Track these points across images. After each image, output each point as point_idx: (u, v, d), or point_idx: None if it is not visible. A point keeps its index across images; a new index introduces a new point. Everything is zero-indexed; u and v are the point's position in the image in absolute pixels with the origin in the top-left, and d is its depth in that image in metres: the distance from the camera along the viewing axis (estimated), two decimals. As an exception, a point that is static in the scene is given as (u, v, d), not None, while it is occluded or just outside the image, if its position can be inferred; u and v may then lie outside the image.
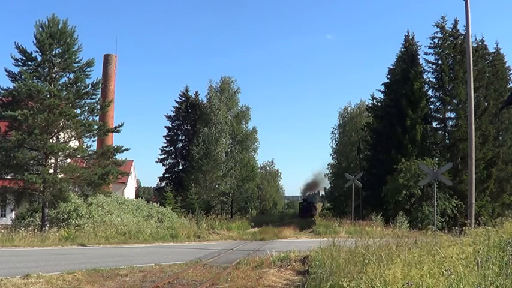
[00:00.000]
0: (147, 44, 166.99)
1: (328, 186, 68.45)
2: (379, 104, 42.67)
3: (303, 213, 65.80)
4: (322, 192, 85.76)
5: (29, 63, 23.61)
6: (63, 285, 9.53)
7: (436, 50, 36.33)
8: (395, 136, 34.69)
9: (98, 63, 33.32)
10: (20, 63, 23.44)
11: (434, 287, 5.01)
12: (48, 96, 22.84)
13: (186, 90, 51.46)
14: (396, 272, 5.51)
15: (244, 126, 51.49)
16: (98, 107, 25.26)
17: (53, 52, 23.60)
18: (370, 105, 45.77)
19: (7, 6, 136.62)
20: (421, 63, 37.39)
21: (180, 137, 51.23)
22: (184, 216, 31.49)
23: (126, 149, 25.54)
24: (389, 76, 40.40)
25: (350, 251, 8.74)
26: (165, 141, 50.56)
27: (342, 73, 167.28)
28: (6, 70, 23.36)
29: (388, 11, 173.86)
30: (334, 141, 58.14)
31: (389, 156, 34.12)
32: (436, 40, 36.38)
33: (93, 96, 25.03)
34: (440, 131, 37.23)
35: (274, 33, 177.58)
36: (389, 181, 32.30)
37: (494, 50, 40.07)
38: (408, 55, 37.35)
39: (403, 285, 5.02)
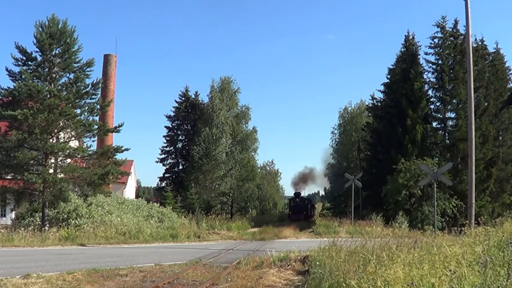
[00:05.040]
0: (147, 43, 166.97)
1: (324, 181, 66.55)
2: (379, 104, 42.66)
3: (293, 214, 49.31)
4: (322, 192, 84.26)
5: (29, 63, 23.61)
6: (63, 285, 9.53)
7: (436, 50, 36.32)
8: (395, 136, 34.68)
9: (98, 63, 33.38)
10: (20, 63, 23.45)
11: (436, 287, 5.01)
12: (48, 96, 22.83)
13: (186, 90, 51.46)
14: (397, 272, 5.51)
15: (244, 126, 51.55)
16: (98, 107, 25.25)
17: (53, 52, 23.60)
18: (370, 105, 45.78)
19: (7, 6, 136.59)
20: (421, 63, 37.42)
21: (180, 137, 51.19)
22: (184, 216, 31.50)
23: (126, 149, 25.60)
24: (389, 76, 40.38)
25: (350, 251, 8.75)
26: (165, 141, 50.56)
27: (342, 72, 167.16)
28: (6, 70, 23.42)
29: (389, 11, 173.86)
30: (334, 141, 58.22)
31: (389, 156, 34.11)
32: (436, 40, 36.39)
33: (93, 96, 25.04)
34: (440, 131, 37.22)
35: (275, 32, 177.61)
36: (389, 181, 32.29)
37: (494, 50, 40.06)
38: (408, 55, 37.34)
39: (405, 286, 5.02)
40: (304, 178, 79.48)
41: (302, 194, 63.88)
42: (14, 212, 26.09)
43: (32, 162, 23.12)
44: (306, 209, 52.16)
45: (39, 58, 23.54)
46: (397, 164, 31.84)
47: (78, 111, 24.45)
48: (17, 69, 23.35)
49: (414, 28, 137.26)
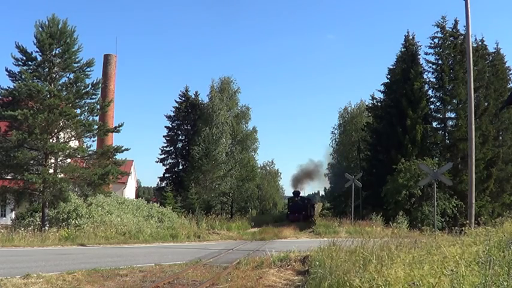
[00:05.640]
0: (147, 43, 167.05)
1: (325, 180, 65.25)
2: (379, 104, 42.67)
3: (292, 213, 47.20)
4: (322, 192, 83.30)
5: (29, 63, 23.62)
6: (63, 285, 9.54)
7: (436, 50, 36.30)
8: (395, 136, 34.68)
9: (98, 63, 33.40)
10: (20, 63, 23.46)
11: (436, 287, 5.01)
12: (48, 96, 22.84)
13: (186, 90, 51.48)
14: (398, 271, 5.52)
15: (244, 126, 51.57)
16: (98, 107, 25.26)
17: (53, 52, 23.61)
18: (370, 105, 45.81)
19: (7, 6, 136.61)
20: (421, 63, 37.40)
21: (180, 137, 51.20)
22: (184, 216, 31.50)
23: (126, 149, 25.61)
24: (389, 76, 40.39)
25: (350, 251, 8.75)
26: (165, 141, 50.57)
27: (342, 72, 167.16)
28: (6, 70, 23.43)
29: (389, 11, 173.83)
30: (334, 141, 58.19)
31: (389, 156, 34.11)
32: (436, 40, 36.36)
33: (93, 96, 25.05)
34: (440, 131, 37.22)
35: (275, 32, 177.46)
36: (389, 181, 32.29)
37: (494, 50, 40.06)
38: (408, 55, 37.33)
39: (405, 286, 5.01)
40: (309, 173, 75.32)
41: (302, 194, 62.17)
42: (14, 212, 26.10)
43: (32, 162, 23.12)
44: (306, 208, 49.97)
45: (39, 58, 23.56)
46: (397, 164, 31.83)
47: (78, 111, 24.47)
48: (17, 69, 23.40)
49: (414, 28, 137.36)
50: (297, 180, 76.41)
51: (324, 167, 66.62)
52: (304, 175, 76.15)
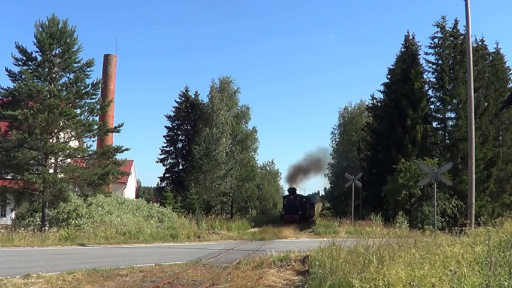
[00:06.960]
0: (147, 43, 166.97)
1: (325, 179, 64.19)
2: (379, 104, 42.73)
3: (287, 213, 42.60)
4: (322, 192, 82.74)
5: (29, 63, 23.66)
6: (63, 285, 9.53)
7: (436, 50, 36.35)
8: (395, 136, 34.70)
9: (98, 63, 33.43)
10: (20, 63, 23.50)
11: (437, 287, 5.01)
12: (48, 96, 22.85)
13: (186, 90, 51.52)
14: (399, 272, 5.51)
15: (244, 126, 51.55)
16: (98, 107, 25.28)
17: (53, 52, 23.64)
18: (370, 105, 45.87)
19: (7, 6, 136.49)
20: (421, 63, 37.44)
21: (180, 137, 51.23)
22: (184, 216, 31.51)
23: (126, 149, 25.65)
24: (389, 76, 40.45)
25: (350, 251, 8.74)
26: (165, 141, 50.61)
27: (342, 72, 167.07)
28: (6, 70, 23.46)
29: (389, 11, 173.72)
30: (334, 141, 58.19)
31: (390, 156, 34.12)
32: (436, 40, 36.43)
33: (93, 96, 25.11)
34: (441, 131, 37.24)
35: (275, 32, 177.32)
36: (389, 181, 32.29)
37: (494, 50, 40.15)
38: (408, 55, 37.36)
39: (406, 286, 5.01)
40: (320, 163, 69.18)
41: (302, 193, 59.74)
42: (14, 212, 26.12)
43: (32, 162, 23.14)
44: (304, 208, 45.73)
45: (39, 58, 23.58)
46: (397, 164, 31.83)
47: (78, 111, 24.50)
48: (17, 69, 23.47)
49: (414, 28, 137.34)
50: (303, 171, 71.21)
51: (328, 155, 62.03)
52: (311, 164, 71.75)
